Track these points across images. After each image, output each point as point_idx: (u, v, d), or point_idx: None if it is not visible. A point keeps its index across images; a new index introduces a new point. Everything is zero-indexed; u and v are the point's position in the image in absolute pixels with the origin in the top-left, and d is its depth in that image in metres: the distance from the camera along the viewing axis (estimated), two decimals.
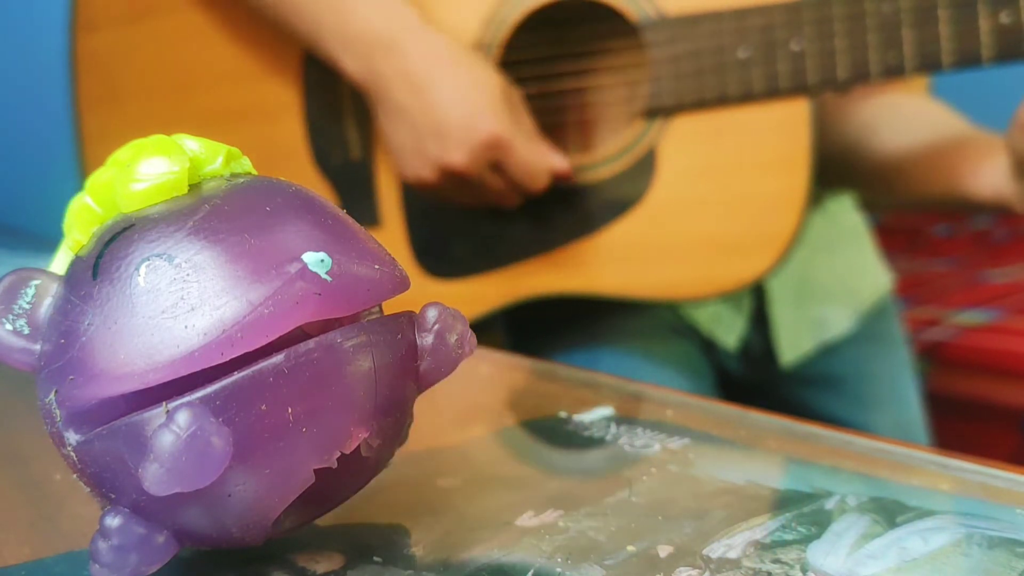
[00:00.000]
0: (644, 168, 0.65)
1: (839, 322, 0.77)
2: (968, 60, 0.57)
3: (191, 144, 0.23)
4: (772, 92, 0.62)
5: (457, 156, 0.61)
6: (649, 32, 0.64)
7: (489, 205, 0.66)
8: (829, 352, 0.77)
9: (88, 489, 0.22)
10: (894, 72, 0.59)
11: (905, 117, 0.76)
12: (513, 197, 0.65)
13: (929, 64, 0.58)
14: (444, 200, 0.67)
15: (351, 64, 0.65)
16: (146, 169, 0.22)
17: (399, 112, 0.64)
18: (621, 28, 0.66)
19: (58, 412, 0.21)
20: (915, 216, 1.50)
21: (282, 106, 0.73)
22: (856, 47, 0.59)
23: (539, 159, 0.64)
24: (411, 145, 0.64)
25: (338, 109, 0.71)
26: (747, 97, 0.62)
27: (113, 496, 0.21)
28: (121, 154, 0.23)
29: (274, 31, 0.71)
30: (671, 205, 0.65)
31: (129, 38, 0.78)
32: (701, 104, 0.63)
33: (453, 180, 0.63)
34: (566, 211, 0.67)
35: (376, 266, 0.23)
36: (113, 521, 0.21)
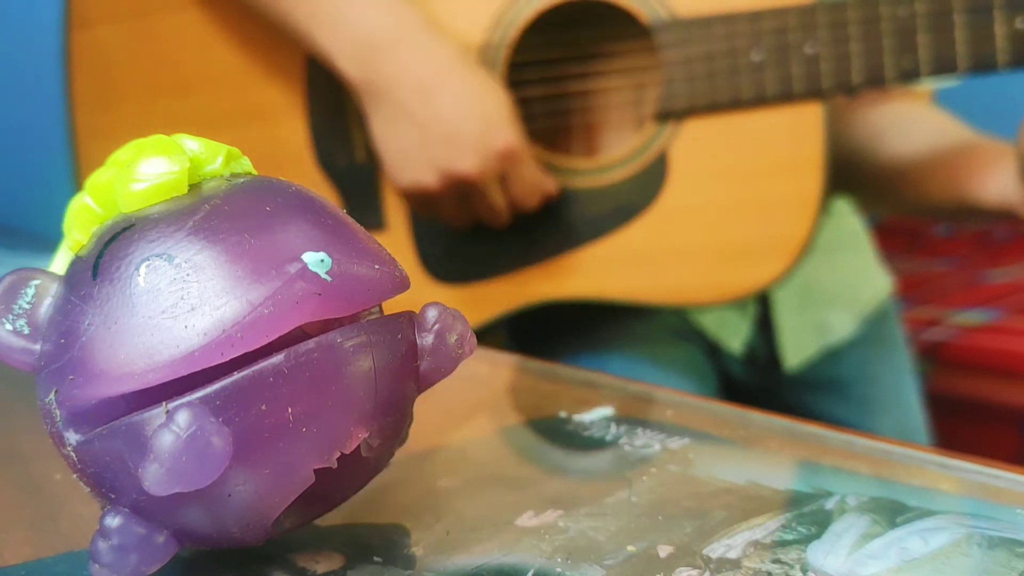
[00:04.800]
0: (656, 172, 0.64)
1: (842, 326, 0.77)
2: (983, 65, 0.57)
3: (191, 144, 0.23)
4: (786, 95, 0.61)
5: (469, 164, 0.60)
6: (661, 34, 0.63)
7: (476, 222, 0.65)
8: (832, 356, 0.76)
9: (88, 489, 0.22)
10: (909, 77, 0.59)
11: (911, 124, 0.76)
12: (506, 215, 0.64)
13: (944, 69, 0.58)
14: (432, 213, 0.66)
15: (347, 65, 0.63)
16: (146, 169, 0.22)
17: (402, 116, 0.62)
18: (632, 30, 0.66)
19: (58, 412, 0.21)
20: (915, 216, 1.50)
21: (285, 108, 0.71)
22: (871, 51, 0.59)
23: (539, 177, 0.63)
24: (414, 151, 0.62)
25: (343, 111, 0.70)
26: (760, 100, 0.62)
27: (113, 496, 0.21)
28: (121, 154, 0.23)
29: (276, 30, 0.70)
30: (683, 209, 0.64)
31: (125, 36, 0.76)
32: (714, 107, 0.63)
33: (456, 189, 0.62)
34: (576, 215, 0.66)
35: (376, 266, 0.23)
36: (113, 521, 0.21)
